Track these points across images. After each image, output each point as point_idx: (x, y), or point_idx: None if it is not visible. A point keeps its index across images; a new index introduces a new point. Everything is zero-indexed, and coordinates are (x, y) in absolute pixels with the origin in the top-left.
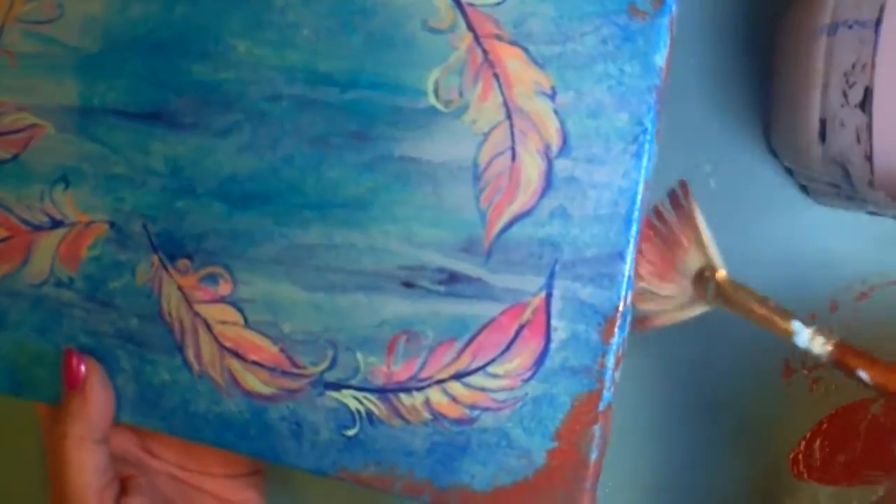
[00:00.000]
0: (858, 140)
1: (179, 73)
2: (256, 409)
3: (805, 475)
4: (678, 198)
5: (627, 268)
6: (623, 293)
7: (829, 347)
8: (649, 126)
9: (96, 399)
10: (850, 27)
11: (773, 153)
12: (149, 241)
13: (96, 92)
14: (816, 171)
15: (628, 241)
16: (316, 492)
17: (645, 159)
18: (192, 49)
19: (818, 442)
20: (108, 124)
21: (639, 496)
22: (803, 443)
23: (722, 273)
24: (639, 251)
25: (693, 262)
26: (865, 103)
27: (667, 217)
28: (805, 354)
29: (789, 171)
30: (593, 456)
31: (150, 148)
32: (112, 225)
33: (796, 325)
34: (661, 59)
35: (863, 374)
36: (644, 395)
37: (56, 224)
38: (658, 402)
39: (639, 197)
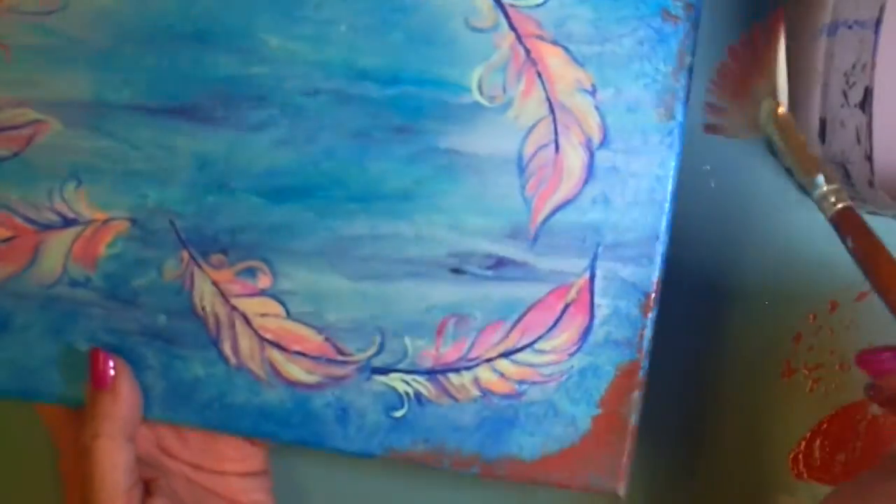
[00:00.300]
0: (858, 140)
1: (205, 67)
2: (299, 397)
3: (805, 475)
4: (772, 27)
5: (663, 248)
6: (659, 270)
7: (838, 206)
8: (682, 119)
9: (127, 397)
10: (850, 27)
11: (773, 153)
12: (177, 237)
13: (111, 86)
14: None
15: (664, 224)
16: (320, 493)
17: (678, 149)
18: (218, 43)
19: (818, 442)
20: (126, 119)
21: (638, 496)
22: (803, 443)
23: (783, 108)
24: (721, 66)
25: (763, 90)
26: (865, 103)
27: (756, 42)
28: (808, 351)
29: (789, 171)
30: (633, 419)
31: (174, 143)
32: (134, 222)
33: (819, 179)
34: (690, 59)
35: (850, 244)
36: (644, 395)
37: (68, 223)
38: (657, 402)
39: (672, 183)
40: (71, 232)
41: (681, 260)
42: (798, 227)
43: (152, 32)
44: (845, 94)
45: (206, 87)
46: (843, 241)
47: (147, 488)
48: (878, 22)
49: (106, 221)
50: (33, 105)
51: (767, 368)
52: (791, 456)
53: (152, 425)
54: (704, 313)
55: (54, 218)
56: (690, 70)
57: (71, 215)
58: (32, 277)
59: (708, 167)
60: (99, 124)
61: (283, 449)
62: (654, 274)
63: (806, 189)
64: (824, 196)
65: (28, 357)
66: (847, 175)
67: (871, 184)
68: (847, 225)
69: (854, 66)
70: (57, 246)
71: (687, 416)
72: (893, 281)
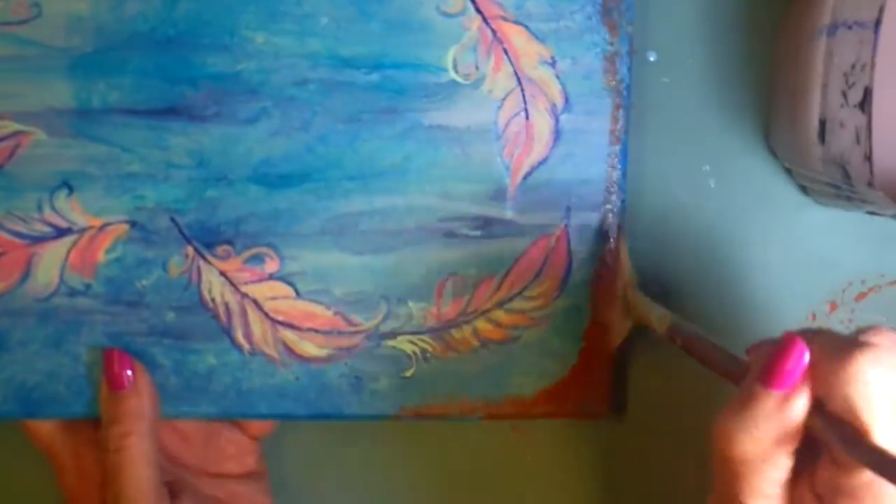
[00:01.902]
0: (858, 140)
1: (192, 67)
2: (314, 372)
3: None
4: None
5: (623, 195)
6: (623, 214)
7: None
8: (628, 80)
9: (149, 394)
10: (850, 28)
11: (773, 153)
12: (180, 234)
13: (95, 92)
14: (816, 171)
15: (621, 173)
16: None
17: (628, 107)
18: (203, 43)
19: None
20: (114, 124)
21: (637, 495)
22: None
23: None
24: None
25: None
26: (865, 104)
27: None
28: None
29: (788, 172)
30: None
31: (168, 143)
32: (133, 224)
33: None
34: (631, 29)
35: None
36: (644, 395)
37: (62, 232)
38: (657, 402)
39: (624, 137)
40: (66, 241)
41: (681, 260)
42: (797, 227)
43: (133, 36)
44: (845, 95)
45: (195, 86)
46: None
47: (170, 490)
48: (878, 22)
49: (102, 227)
50: (12, 116)
51: None
52: None
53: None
54: (704, 314)
55: (46, 229)
56: (632, 38)
57: (64, 224)
58: (27, 292)
59: (707, 167)
60: (86, 130)
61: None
62: (620, 218)
63: (805, 189)
64: (657, 319)
65: (29, 374)
66: (846, 176)
67: (870, 184)
68: (677, 339)
69: (854, 67)
70: (51, 257)
71: (686, 413)
72: (731, 374)
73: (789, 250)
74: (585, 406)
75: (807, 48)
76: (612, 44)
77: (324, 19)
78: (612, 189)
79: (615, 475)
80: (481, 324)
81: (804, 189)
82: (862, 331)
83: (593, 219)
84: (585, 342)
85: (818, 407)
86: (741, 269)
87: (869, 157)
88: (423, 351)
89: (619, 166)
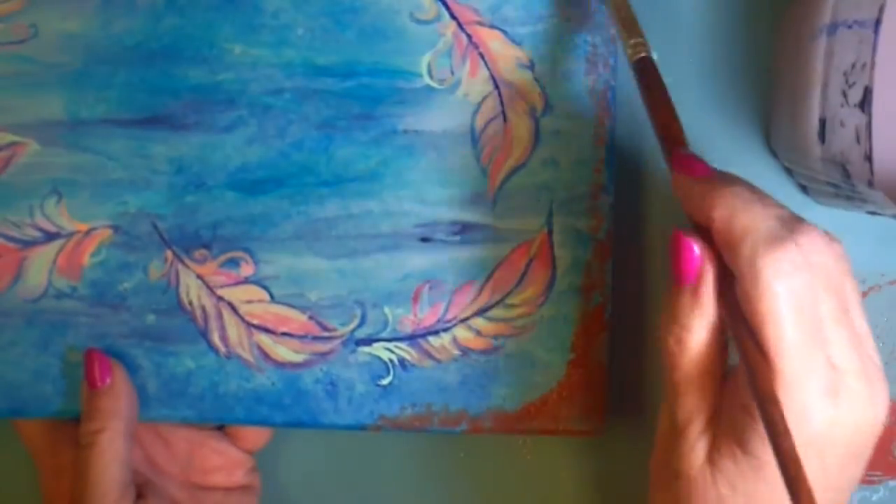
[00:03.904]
0: (858, 140)
1: (174, 78)
2: (289, 377)
3: None
4: None
5: (611, 198)
6: (610, 219)
7: (640, 55)
8: (612, 82)
9: (125, 394)
10: (850, 27)
11: (773, 153)
12: (160, 238)
13: (84, 104)
14: (816, 170)
15: (607, 176)
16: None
17: (613, 109)
18: (184, 56)
19: None
20: (101, 134)
21: (635, 496)
22: None
23: None
24: None
25: None
26: (865, 103)
27: None
28: None
29: (789, 171)
30: (605, 360)
31: (150, 151)
32: (116, 228)
33: (635, 40)
34: (614, 29)
35: (643, 90)
36: (644, 395)
37: (50, 237)
38: (657, 401)
39: (612, 139)
40: (54, 245)
41: None
42: None
43: (120, 51)
44: (845, 94)
45: (176, 96)
46: (640, 87)
47: (139, 492)
48: (878, 22)
49: (88, 232)
50: (9, 129)
51: None
52: None
53: (140, 439)
54: None
55: (36, 234)
56: (614, 39)
57: (53, 229)
58: (17, 294)
59: None
60: (75, 140)
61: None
62: (607, 222)
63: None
64: (631, 46)
65: (17, 373)
66: (847, 175)
67: (870, 184)
68: (644, 73)
69: (854, 66)
70: (40, 260)
71: None
72: (668, 128)
73: None
74: (575, 423)
75: (807, 47)
76: (593, 45)
77: (299, 30)
78: (597, 193)
79: (610, 489)
80: (461, 332)
81: (804, 188)
82: (786, 222)
83: (578, 224)
84: (574, 354)
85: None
86: None
87: (869, 157)
88: (401, 359)
89: (606, 168)
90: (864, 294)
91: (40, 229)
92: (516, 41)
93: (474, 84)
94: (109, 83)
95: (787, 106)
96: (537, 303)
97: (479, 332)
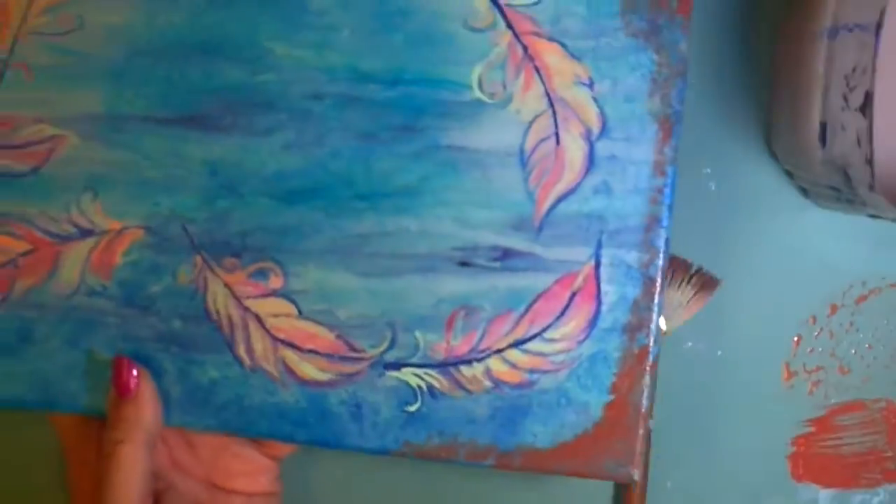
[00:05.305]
0: (859, 143)
1: (213, 77)
2: (314, 396)
3: (804, 477)
4: None
5: (666, 233)
6: (664, 255)
7: None
8: (678, 107)
9: (150, 405)
10: (851, 31)
11: (774, 156)
12: (190, 243)
13: (124, 99)
14: (816, 174)
15: (665, 209)
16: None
17: (675, 135)
18: (225, 54)
19: (817, 444)
20: (138, 130)
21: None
22: (802, 444)
23: None
24: None
25: None
26: (866, 107)
27: None
28: (808, 354)
29: (789, 174)
30: (645, 404)
31: (184, 151)
32: (148, 229)
33: None
34: (684, 48)
35: None
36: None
37: (85, 233)
38: (657, 402)
39: (672, 169)
40: (88, 242)
41: None
42: (798, 229)
43: (162, 46)
44: (846, 98)
45: (215, 96)
46: None
47: (156, 499)
48: (879, 25)
49: (121, 231)
50: (51, 121)
51: (767, 369)
52: (790, 457)
53: (165, 439)
54: (703, 316)
55: (72, 230)
56: (685, 58)
57: (87, 226)
58: (52, 289)
59: (708, 170)
60: (113, 136)
61: (297, 455)
62: (659, 259)
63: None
64: None
65: (49, 367)
66: (847, 178)
67: (871, 187)
68: None
69: (855, 70)
70: (75, 257)
71: (687, 414)
72: None
73: (790, 253)
74: (609, 468)
75: (808, 51)
76: (659, 64)
77: (345, 32)
78: (652, 225)
79: None
80: (495, 363)
81: (805, 192)
82: None
83: (629, 258)
84: (613, 396)
85: None
86: (742, 271)
87: (870, 161)
88: (430, 386)
89: (664, 201)
90: (865, 296)
91: (76, 225)
92: (576, 56)
93: (527, 100)
94: (149, 78)
95: (788, 109)
96: (578, 339)
97: (513, 365)
